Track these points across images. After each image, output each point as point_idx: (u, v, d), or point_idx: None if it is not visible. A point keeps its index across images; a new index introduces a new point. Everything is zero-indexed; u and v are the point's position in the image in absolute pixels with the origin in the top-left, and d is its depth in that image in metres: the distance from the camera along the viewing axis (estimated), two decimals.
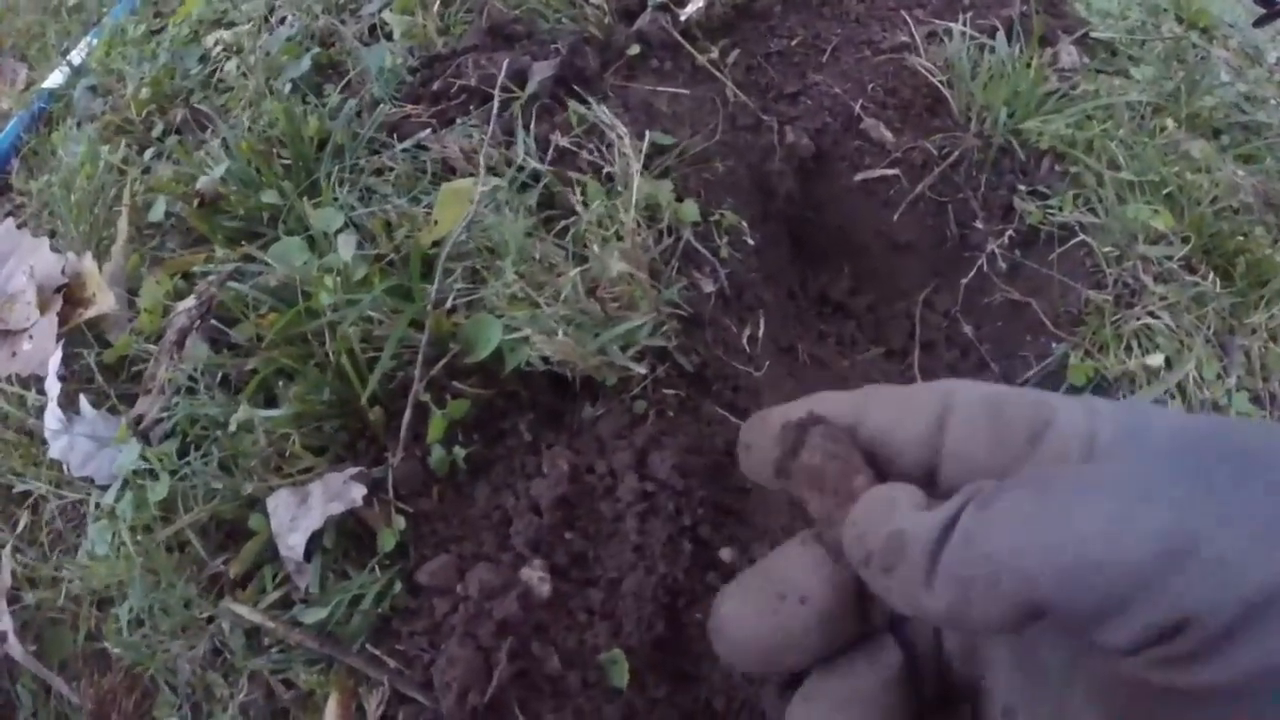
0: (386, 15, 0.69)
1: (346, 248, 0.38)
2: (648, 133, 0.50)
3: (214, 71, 0.73)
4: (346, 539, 0.37)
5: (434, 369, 0.35)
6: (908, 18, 0.71)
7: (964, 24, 0.71)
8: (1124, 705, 0.12)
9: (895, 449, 0.14)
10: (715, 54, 0.58)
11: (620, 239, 0.37)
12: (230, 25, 0.83)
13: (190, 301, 0.46)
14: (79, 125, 0.78)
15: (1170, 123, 0.81)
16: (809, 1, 0.66)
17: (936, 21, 0.71)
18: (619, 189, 0.41)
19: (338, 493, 0.36)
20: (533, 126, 0.50)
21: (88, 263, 0.54)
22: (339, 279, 0.36)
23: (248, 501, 0.39)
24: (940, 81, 0.65)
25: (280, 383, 0.40)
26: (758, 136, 0.55)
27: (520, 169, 0.46)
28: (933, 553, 0.12)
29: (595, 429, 0.35)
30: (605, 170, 0.42)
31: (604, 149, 0.45)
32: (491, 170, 0.46)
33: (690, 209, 0.45)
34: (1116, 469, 0.12)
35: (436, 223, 0.39)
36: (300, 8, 0.75)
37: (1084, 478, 0.11)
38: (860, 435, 0.14)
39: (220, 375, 0.44)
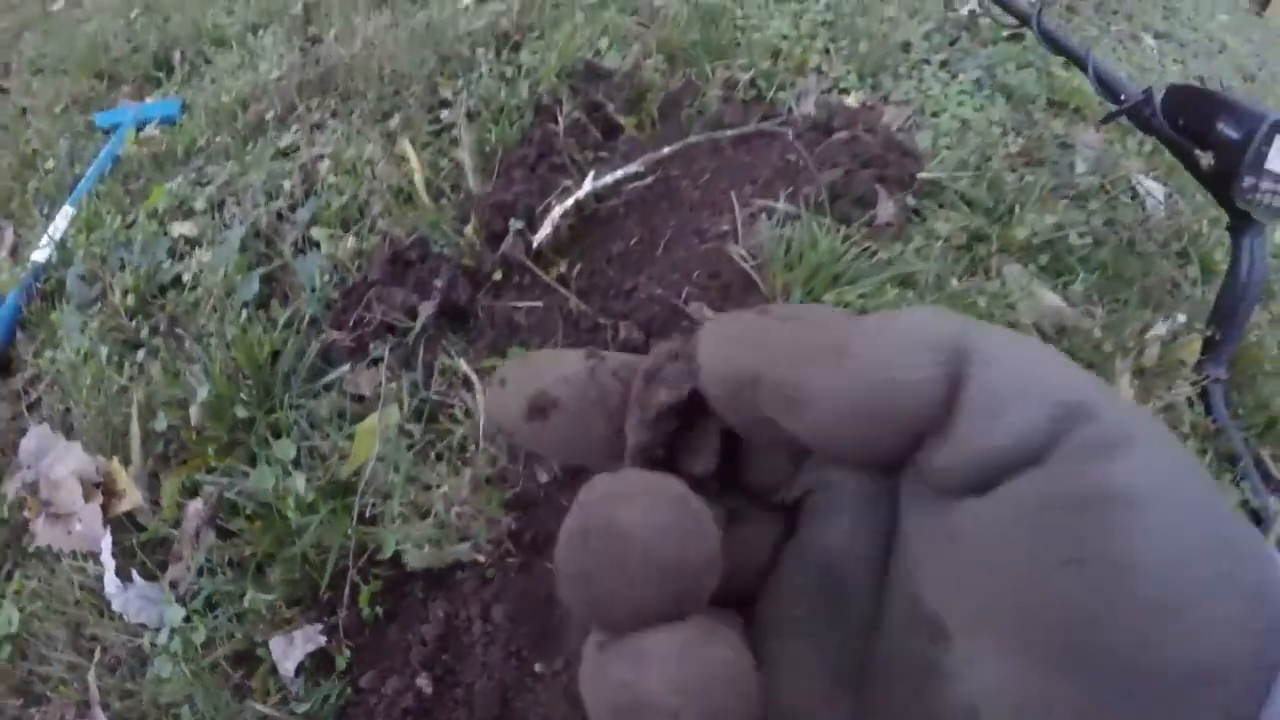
0: (314, 231, 0.97)
1: (299, 481, 0.67)
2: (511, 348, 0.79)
3: (180, 274, 1.01)
4: (317, 662, 0.67)
5: (360, 561, 0.64)
6: (735, 199, 0.98)
7: (784, 199, 0.98)
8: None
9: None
10: (563, 268, 0.86)
11: (470, 464, 0.66)
12: (189, 213, 1.11)
13: (199, 504, 0.75)
14: (76, 310, 1.06)
15: (992, 249, 1.08)
16: (646, 198, 0.93)
17: (758, 202, 0.99)
18: (476, 418, 0.70)
19: (310, 637, 0.66)
20: (420, 357, 0.79)
21: (116, 465, 0.83)
22: (295, 502, 0.66)
23: (258, 640, 0.68)
24: (751, 266, 0.92)
25: (268, 562, 0.70)
26: (595, 336, 0.84)
27: (412, 395, 0.75)
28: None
29: (461, 587, 0.65)
30: (466, 408, 0.71)
31: (467, 388, 0.74)
32: (393, 396, 0.75)
33: None
34: None
35: (353, 456, 0.68)
36: (244, 208, 1.04)
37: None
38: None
39: (225, 554, 0.74)
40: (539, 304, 0.81)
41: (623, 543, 0.11)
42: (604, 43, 1.18)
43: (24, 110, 1.65)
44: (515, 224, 0.81)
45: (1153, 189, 1.29)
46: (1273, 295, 1.17)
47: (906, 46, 1.45)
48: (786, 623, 0.13)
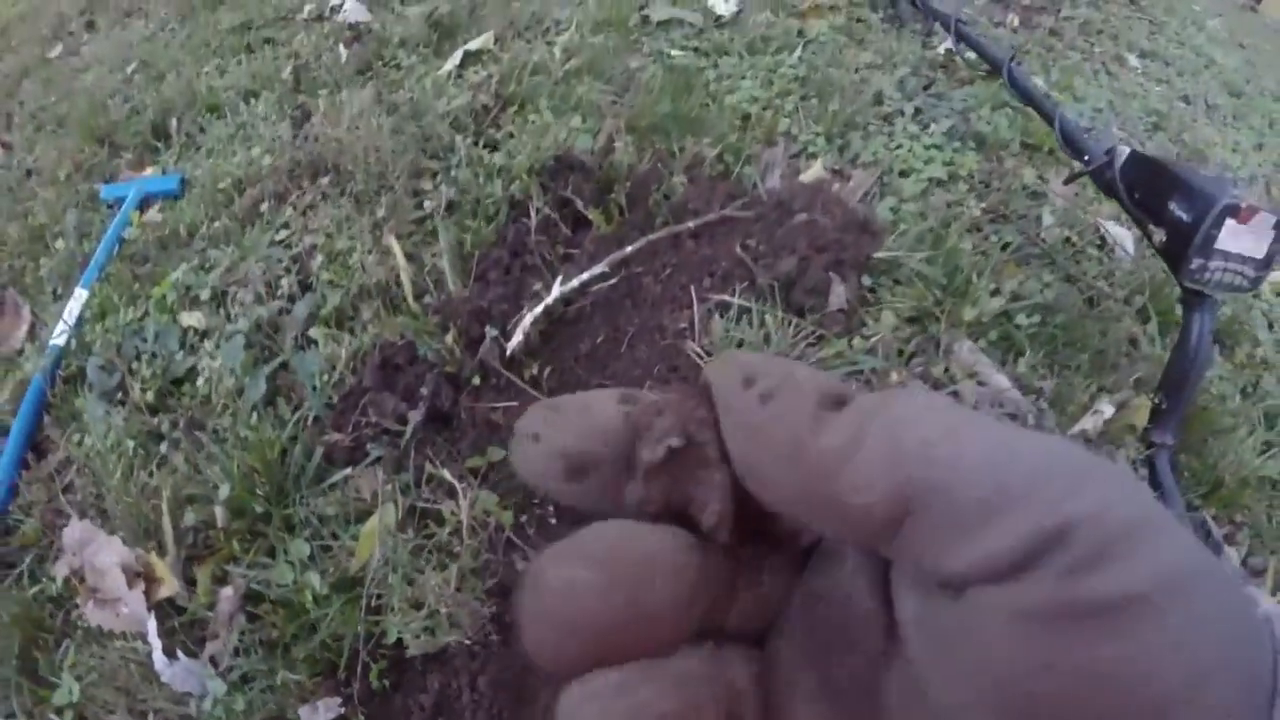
0: (312, 331, 1.13)
1: (314, 578, 0.83)
2: (490, 447, 0.95)
3: (194, 366, 1.17)
4: None
5: (369, 644, 0.81)
6: (694, 294, 1.12)
7: (740, 292, 1.12)
8: (1009, 655, 0.11)
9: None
10: (535, 369, 1.01)
11: (457, 559, 0.83)
12: (196, 302, 1.27)
13: (230, 591, 0.92)
14: (99, 398, 1.24)
15: (942, 326, 1.20)
16: (611, 297, 1.08)
17: (714, 297, 1.12)
18: (460, 518, 0.86)
19: (330, 707, 0.83)
20: (412, 460, 0.95)
21: (154, 557, 1.00)
22: (312, 595, 0.82)
23: (288, 709, 0.86)
24: (704, 362, 1.06)
25: (293, 640, 0.87)
26: None
27: (405, 496, 0.91)
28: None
29: (453, 662, 0.82)
30: (451, 510, 0.86)
31: (450, 496, 0.90)
32: (390, 496, 0.91)
33: (508, 515, 0.91)
34: None
35: (358, 555, 0.85)
36: (246, 302, 1.20)
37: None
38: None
39: (255, 636, 0.91)
40: (515, 403, 0.96)
41: (558, 599, 0.12)
42: (577, 120, 1.31)
43: (29, 173, 1.82)
44: (491, 331, 0.96)
45: (1122, 237, 1.41)
46: (1228, 353, 1.29)
47: (879, 98, 1.56)
48: (797, 655, 0.14)
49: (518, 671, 0.81)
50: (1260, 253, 0.95)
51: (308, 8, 1.98)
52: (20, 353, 1.39)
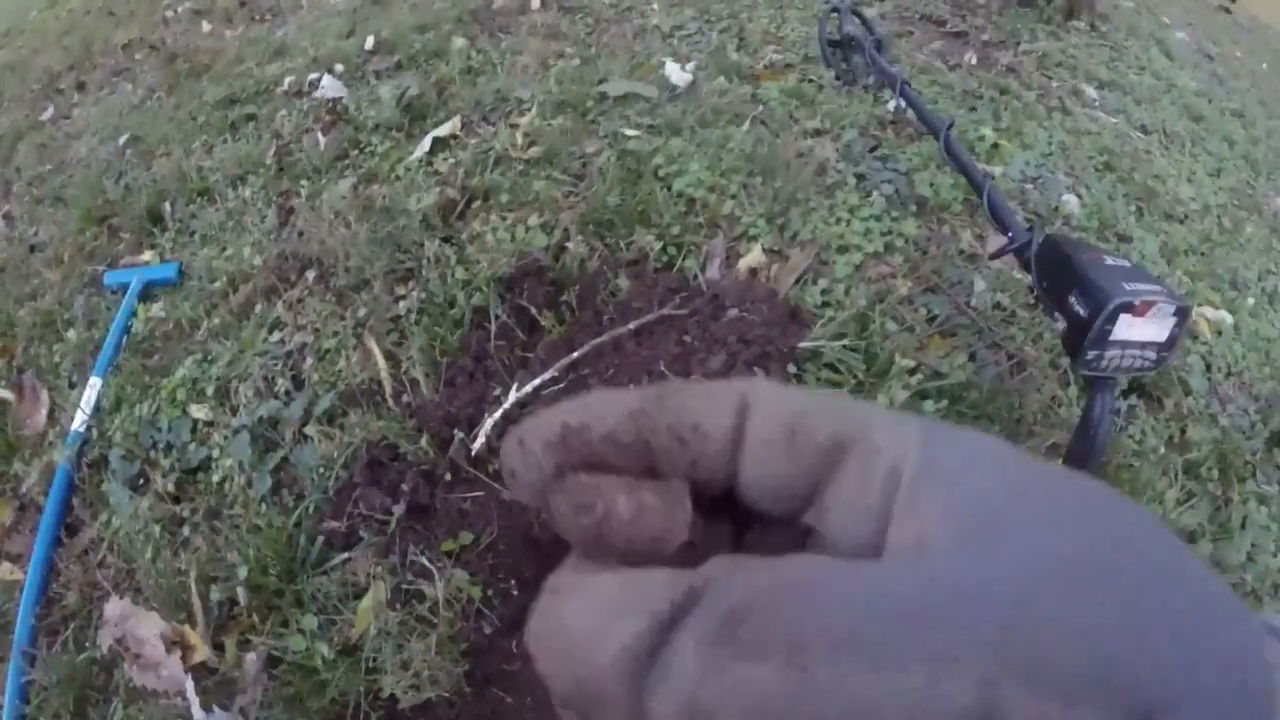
0: (308, 429, 1.42)
1: (323, 647, 1.12)
2: (460, 532, 1.24)
3: (207, 457, 1.47)
4: None
5: (369, 698, 1.11)
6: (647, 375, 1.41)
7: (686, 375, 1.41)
8: None
9: (699, 442, 0.15)
10: (497, 465, 1.30)
11: (436, 628, 1.12)
12: (202, 395, 1.57)
13: (253, 656, 1.21)
14: (123, 485, 1.54)
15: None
16: (586, 380, 1.36)
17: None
18: (437, 595, 1.16)
19: None
20: (398, 545, 1.24)
21: (188, 629, 1.29)
22: (322, 661, 1.12)
23: None
24: None
25: (307, 695, 1.17)
26: (524, 517, 1.28)
27: (393, 576, 1.20)
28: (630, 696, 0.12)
29: (436, 711, 1.11)
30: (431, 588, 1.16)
31: (426, 578, 1.19)
32: (381, 575, 1.21)
33: (477, 590, 1.20)
34: (898, 588, 0.11)
35: (358, 626, 1.14)
36: (247, 398, 1.49)
37: (856, 618, 0.11)
38: (655, 430, 0.15)
39: (276, 694, 1.21)
40: (481, 494, 1.26)
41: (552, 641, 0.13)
42: (534, 218, 1.59)
43: (32, 249, 2.11)
44: (458, 434, 1.25)
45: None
46: (1155, 406, 1.51)
47: (822, 169, 1.83)
48: None
49: (489, 717, 1.11)
50: (1162, 336, 1.06)
51: (288, 80, 2.25)
52: (44, 436, 1.69)
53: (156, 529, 1.34)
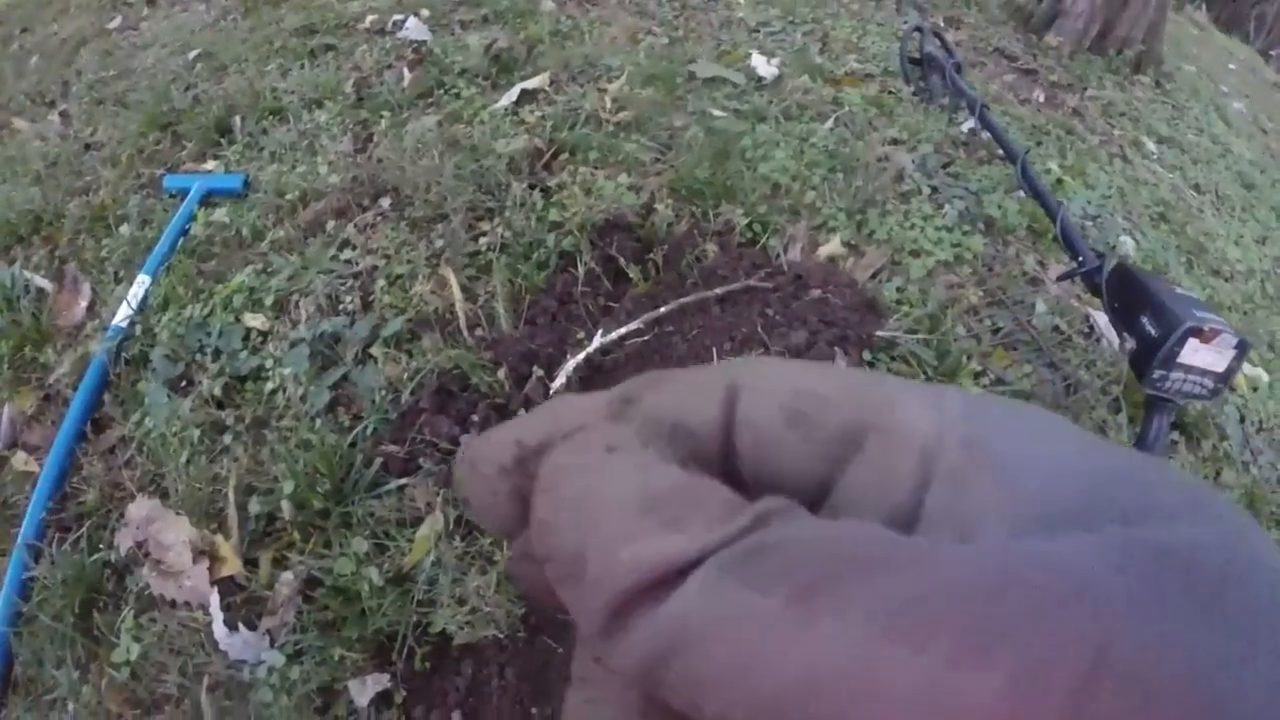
0: (373, 350, 1.33)
1: (373, 572, 1.03)
2: None
3: (258, 367, 1.37)
4: (382, 698, 1.05)
5: (416, 631, 1.01)
6: (716, 356, 1.34)
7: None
8: None
9: (683, 443, 0.12)
10: None
11: (496, 565, 1.03)
12: (259, 305, 1.47)
13: (290, 576, 1.11)
14: (162, 385, 1.43)
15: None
16: (644, 352, 1.29)
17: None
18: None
19: (378, 681, 1.03)
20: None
21: (220, 539, 1.19)
22: (369, 587, 1.02)
23: (338, 681, 1.06)
24: None
25: (344, 623, 1.07)
26: None
27: (454, 508, 1.11)
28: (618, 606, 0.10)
29: (485, 653, 1.02)
30: None
31: None
32: (440, 507, 1.12)
33: None
34: (952, 572, 0.09)
35: (412, 555, 1.04)
36: (308, 312, 1.40)
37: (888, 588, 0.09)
38: None
39: (312, 618, 1.10)
40: None
41: None
42: (623, 177, 1.53)
43: (87, 147, 2.01)
44: (537, 370, 1.17)
45: (1108, 329, 1.64)
46: (1195, 445, 1.51)
47: (899, 176, 1.79)
48: None
49: (540, 666, 1.01)
50: (1220, 367, 1.12)
51: (369, 19, 2.19)
52: (80, 328, 1.58)
53: (196, 433, 1.24)
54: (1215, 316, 1.11)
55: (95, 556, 1.24)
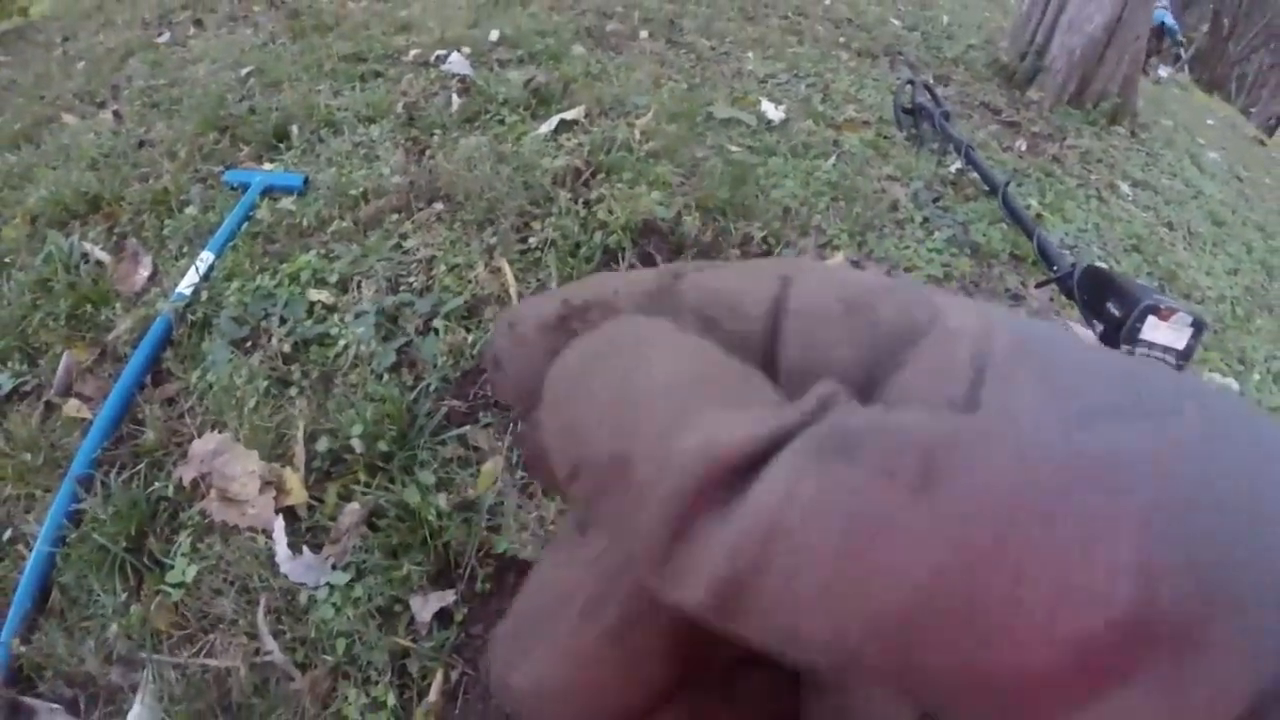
0: (435, 322, 1.52)
1: (441, 499, 1.18)
2: None
3: (322, 333, 1.54)
4: (442, 615, 1.18)
5: (478, 553, 1.16)
6: None
7: None
8: None
9: (731, 321, 0.12)
10: None
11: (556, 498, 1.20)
12: (323, 283, 1.66)
13: (356, 505, 1.26)
14: (227, 344, 1.58)
15: None
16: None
17: None
18: None
19: (441, 598, 1.16)
20: (520, 428, 1.33)
21: (288, 470, 1.33)
22: (437, 512, 1.17)
23: (400, 599, 1.19)
24: None
25: (404, 549, 1.21)
26: None
27: (515, 449, 1.29)
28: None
29: None
30: None
31: None
32: (501, 451, 1.29)
33: None
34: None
35: (479, 485, 1.21)
36: (373, 290, 1.59)
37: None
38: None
39: (375, 542, 1.24)
40: None
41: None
42: (656, 194, 1.79)
43: (141, 144, 2.20)
44: None
45: (1085, 336, 1.92)
46: None
47: (895, 205, 2.10)
48: None
49: None
50: (1180, 344, 1.32)
51: (413, 52, 2.47)
52: (141, 294, 1.73)
53: (263, 384, 1.40)
54: (1172, 300, 1.31)
55: (150, 489, 1.35)
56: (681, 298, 0.13)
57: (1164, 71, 4.47)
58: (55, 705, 1.20)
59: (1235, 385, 1.92)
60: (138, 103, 2.38)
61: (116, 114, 2.35)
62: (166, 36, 2.79)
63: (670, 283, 0.13)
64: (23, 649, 1.21)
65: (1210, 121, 4.20)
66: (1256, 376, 2.04)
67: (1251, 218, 3.04)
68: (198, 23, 2.90)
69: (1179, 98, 4.42)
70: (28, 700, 1.19)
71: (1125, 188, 2.74)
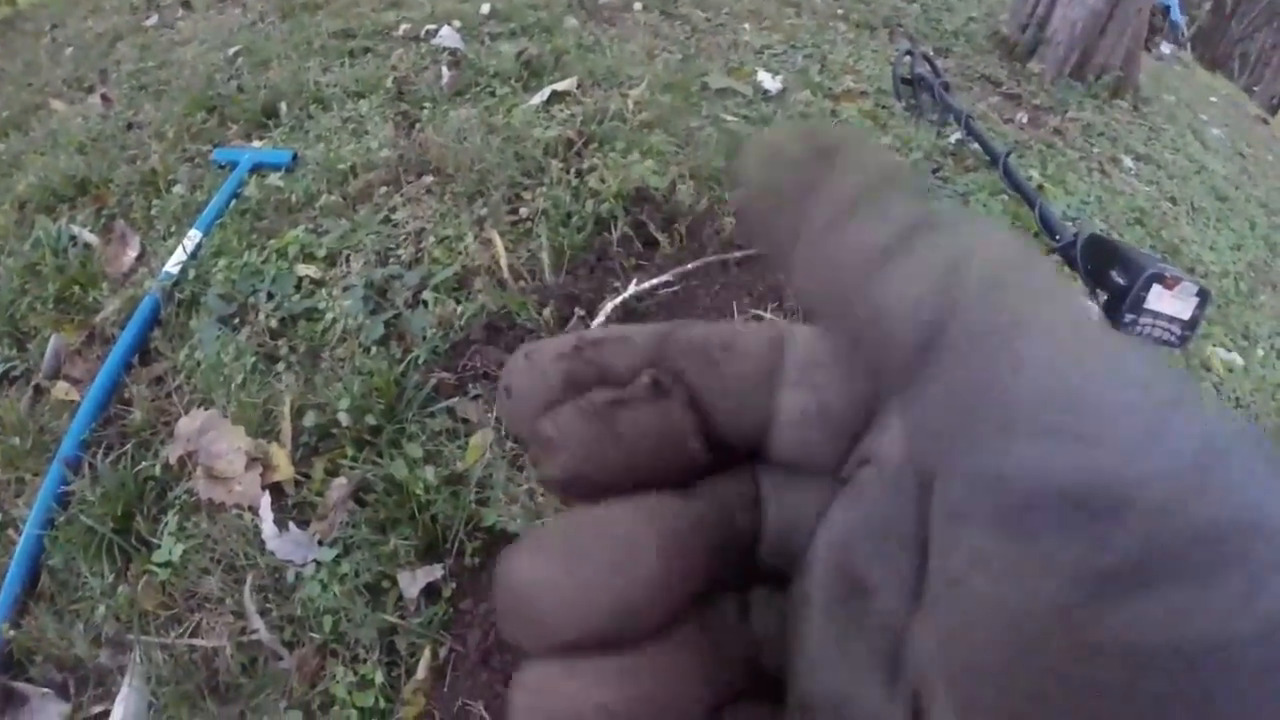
0: (424, 295, 1.48)
1: (429, 471, 1.14)
2: None
3: (310, 308, 1.50)
4: (430, 591, 1.15)
5: (467, 527, 1.12)
6: (735, 308, 1.54)
7: (771, 310, 1.54)
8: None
9: (731, 363, 0.13)
10: None
11: None
12: (311, 258, 1.62)
13: (343, 481, 1.22)
14: (215, 322, 1.55)
15: None
16: (672, 302, 1.47)
17: (752, 311, 1.54)
18: None
19: (429, 574, 1.13)
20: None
21: (275, 447, 1.29)
22: (424, 486, 1.14)
23: (388, 575, 1.15)
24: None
25: (392, 524, 1.17)
26: None
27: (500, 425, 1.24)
28: None
29: None
30: None
31: None
32: (490, 422, 1.25)
33: None
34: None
35: (467, 458, 1.17)
36: (360, 264, 1.55)
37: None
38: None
39: (363, 518, 1.20)
40: None
41: (521, 601, 0.12)
42: (649, 163, 1.73)
43: (129, 126, 2.16)
44: (579, 311, 1.33)
45: (1090, 310, 1.86)
46: None
47: None
48: (816, 604, 0.14)
49: None
50: (1185, 314, 1.27)
51: (404, 27, 2.41)
52: (127, 275, 1.69)
53: (250, 360, 1.36)
54: (1177, 269, 1.26)
55: (138, 468, 1.32)
56: (685, 338, 0.15)
57: (1166, 49, 4.37)
58: (46, 690, 1.17)
59: (1240, 360, 1.85)
60: (126, 86, 2.34)
61: (105, 98, 2.31)
62: (154, 20, 2.74)
63: (679, 328, 0.15)
64: (13, 633, 1.18)
65: (1213, 99, 4.08)
66: (1260, 352, 1.98)
67: (1255, 194, 2.95)
68: (186, 4, 2.85)
69: (1181, 75, 4.30)
70: (19, 686, 1.17)
71: (1128, 161, 2.65)
